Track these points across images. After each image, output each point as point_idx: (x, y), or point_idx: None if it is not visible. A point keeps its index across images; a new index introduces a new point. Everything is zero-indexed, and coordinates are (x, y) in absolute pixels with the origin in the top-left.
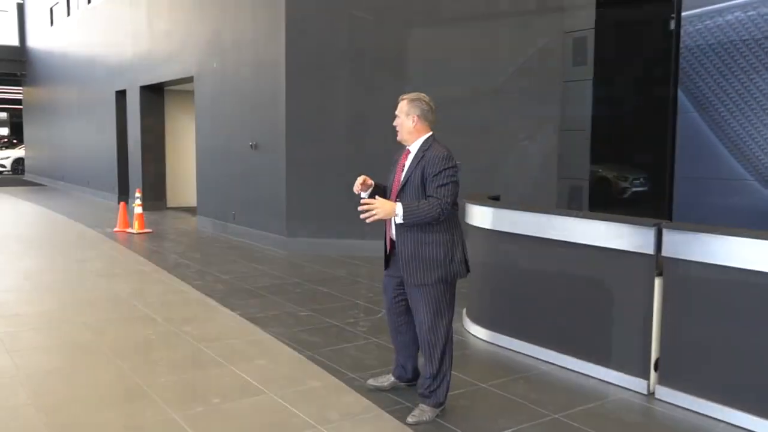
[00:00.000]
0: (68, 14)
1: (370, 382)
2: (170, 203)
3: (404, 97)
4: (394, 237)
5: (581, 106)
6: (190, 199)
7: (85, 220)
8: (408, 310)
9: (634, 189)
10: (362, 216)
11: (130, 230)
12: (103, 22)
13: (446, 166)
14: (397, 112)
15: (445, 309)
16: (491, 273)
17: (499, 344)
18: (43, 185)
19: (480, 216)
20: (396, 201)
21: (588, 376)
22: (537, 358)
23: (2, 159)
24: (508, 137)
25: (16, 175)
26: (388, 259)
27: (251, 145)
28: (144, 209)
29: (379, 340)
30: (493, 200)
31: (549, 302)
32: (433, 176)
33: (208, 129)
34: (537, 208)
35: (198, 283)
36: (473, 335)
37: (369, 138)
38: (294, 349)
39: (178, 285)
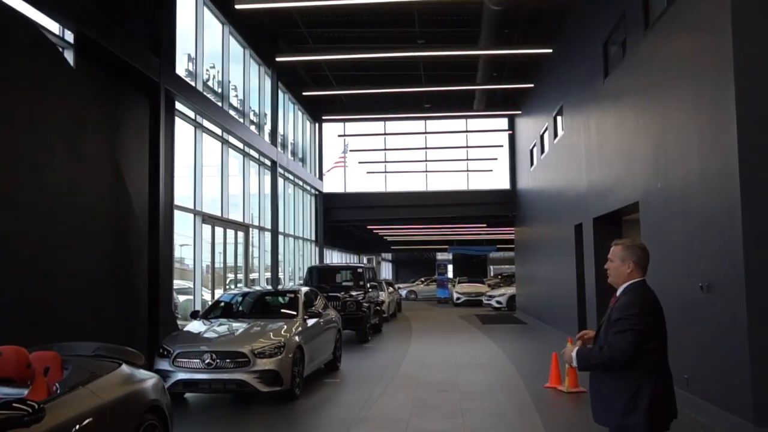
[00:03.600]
0: (542, 152)
1: None
2: None
3: (618, 242)
4: None
5: None
6: None
7: (527, 369)
8: None
9: None
10: None
11: (560, 387)
12: (565, 155)
13: (627, 314)
14: (610, 257)
15: None
16: None
17: None
18: (525, 323)
19: None
20: (593, 344)
21: None
22: None
23: (499, 296)
24: None
25: (509, 312)
26: None
27: (702, 287)
28: None
29: None
30: None
31: None
32: (614, 322)
33: (652, 265)
34: None
35: None
36: None
37: None
38: None
39: None
